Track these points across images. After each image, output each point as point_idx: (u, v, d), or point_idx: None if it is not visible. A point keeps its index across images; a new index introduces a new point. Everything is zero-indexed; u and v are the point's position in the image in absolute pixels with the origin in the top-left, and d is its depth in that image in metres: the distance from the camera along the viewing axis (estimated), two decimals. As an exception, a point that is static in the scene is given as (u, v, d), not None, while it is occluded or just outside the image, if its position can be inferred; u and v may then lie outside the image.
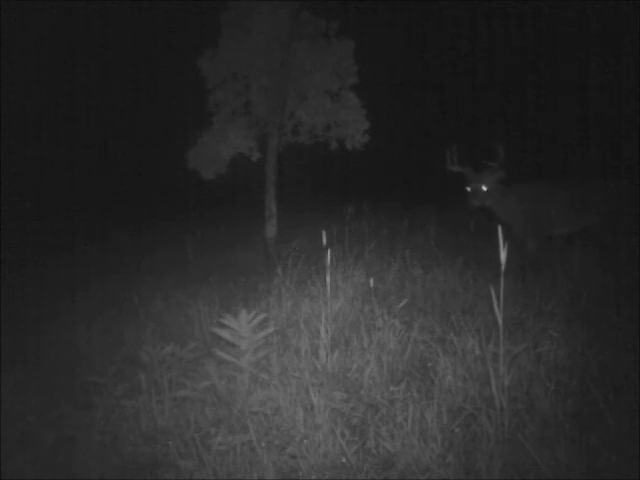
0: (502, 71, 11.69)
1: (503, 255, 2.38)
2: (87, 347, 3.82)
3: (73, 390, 3.20)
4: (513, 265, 4.75)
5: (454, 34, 11.95)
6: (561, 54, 10.68)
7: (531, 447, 2.25)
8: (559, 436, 2.29)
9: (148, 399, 2.88)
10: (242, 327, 2.99)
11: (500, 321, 2.37)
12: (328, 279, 3.22)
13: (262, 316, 3.08)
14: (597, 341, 3.15)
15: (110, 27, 11.46)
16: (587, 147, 9.99)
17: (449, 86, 12.33)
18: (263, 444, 2.44)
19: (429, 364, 3.13)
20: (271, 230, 6.08)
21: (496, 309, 2.35)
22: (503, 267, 2.37)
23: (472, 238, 6.09)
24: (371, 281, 3.87)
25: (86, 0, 10.84)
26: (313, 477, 2.31)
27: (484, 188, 4.73)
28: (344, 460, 2.37)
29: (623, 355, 2.96)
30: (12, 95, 9.98)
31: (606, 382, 2.68)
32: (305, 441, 2.47)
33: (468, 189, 4.80)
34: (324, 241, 3.53)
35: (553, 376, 2.77)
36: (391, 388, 2.88)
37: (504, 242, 2.39)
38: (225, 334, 3.04)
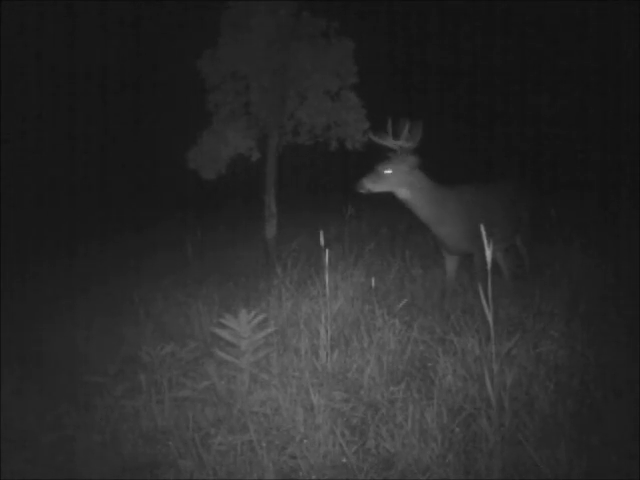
0: (502, 71, 11.69)
1: (488, 253, 2.38)
2: (87, 347, 3.83)
3: (73, 390, 3.20)
4: (512, 264, 4.75)
5: (454, 34, 11.95)
6: (561, 55, 10.68)
7: (531, 447, 2.25)
8: (559, 436, 2.29)
9: (148, 399, 2.88)
10: (242, 327, 2.99)
11: (490, 319, 2.36)
12: (327, 279, 3.22)
13: (262, 316, 3.08)
14: (597, 341, 3.15)
15: (110, 27, 11.47)
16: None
17: (449, 86, 12.33)
18: (263, 444, 2.44)
19: (429, 364, 3.13)
20: (271, 230, 6.08)
21: (485, 308, 2.35)
22: (489, 265, 2.38)
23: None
24: (372, 281, 3.87)
25: (87, 0, 10.85)
26: (313, 477, 2.31)
27: (387, 171, 3.94)
28: (344, 460, 2.37)
29: (623, 355, 2.96)
30: (12, 95, 9.98)
31: (606, 382, 2.68)
32: (305, 441, 2.47)
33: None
34: (322, 241, 3.53)
35: (553, 376, 2.77)
36: (391, 388, 2.88)
37: (489, 241, 2.40)
38: (225, 334, 3.04)
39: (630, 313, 3.50)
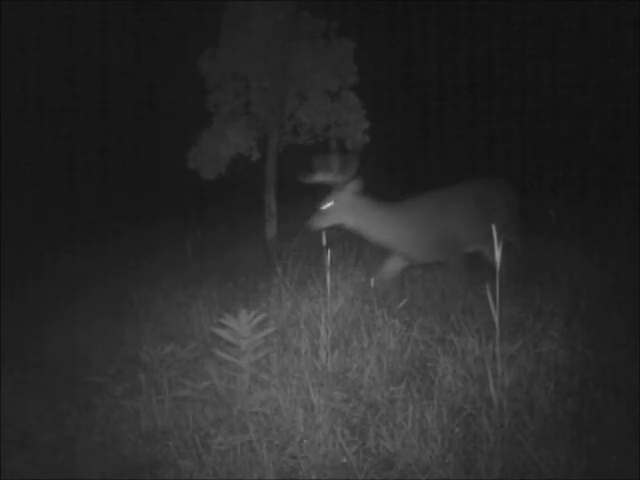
0: (502, 70, 11.69)
1: (498, 254, 2.38)
2: (87, 347, 3.83)
3: (73, 390, 3.20)
4: (513, 265, 4.75)
5: (454, 34, 11.95)
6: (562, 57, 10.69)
7: (531, 447, 2.25)
8: (559, 436, 2.29)
9: (148, 399, 2.88)
10: (242, 327, 2.98)
11: (497, 320, 2.37)
12: (328, 279, 3.22)
13: (262, 316, 3.08)
14: (597, 341, 3.15)
15: (110, 27, 11.47)
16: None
17: (449, 86, 12.33)
18: (263, 444, 2.44)
19: (429, 364, 3.13)
20: (271, 230, 6.08)
21: (493, 309, 2.35)
22: (498, 266, 2.38)
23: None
24: (372, 281, 3.87)
25: (87, 0, 10.85)
26: (313, 477, 2.31)
27: (328, 206, 4.05)
28: (344, 460, 2.37)
29: (623, 355, 2.96)
30: (12, 94, 9.98)
31: (606, 382, 2.68)
32: (305, 441, 2.47)
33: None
34: (324, 241, 3.53)
35: (553, 376, 2.77)
36: (391, 388, 2.88)
37: (499, 241, 2.40)
38: (225, 334, 3.04)
39: (630, 313, 3.50)
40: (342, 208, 4.07)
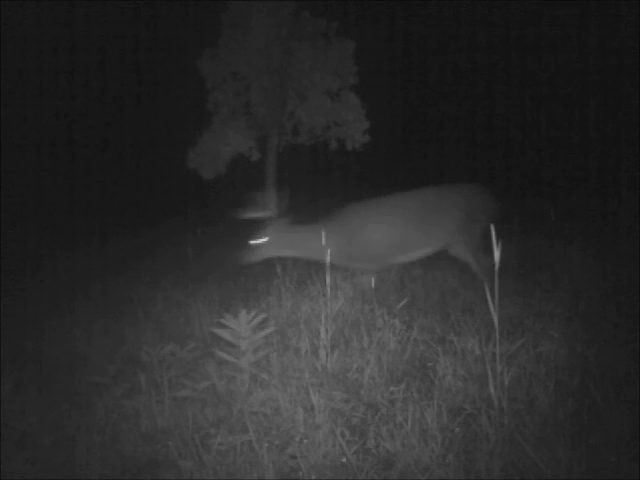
0: (502, 70, 11.69)
1: (497, 254, 2.38)
2: (87, 347, 3.82)
3: (73, 390, 3.20)
4: (512, 265, 4.75)
5: (454, 34, 11.95)
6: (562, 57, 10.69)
7: (531, 447, 2.25)
8: (559, 436, 2.29)
9: (148, 399, 2.87)
10: (242, 327, 2.98)
11: (496, 320, 2.37)
12: (328, 279, 3.22)
13: (262, 316, 3.08)
14: (597, 341, 3.15)
15: (110, 27, 11.46)
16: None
17: (449, 85, 12.33)
18: (263, 444, 2.44)
19: (429, 364, 3.13)
20: (271, 230, 6.07)
21: (492, 308, 2.35)
22: (497, 266, 2.37)
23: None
24: (372, 281, 3.87)
25: (87, 0, 10.85)
26: (313, 477, 2.31)
27: (260, 241, 4.21)
28: (344, 460, 2.37)
29: (623, 355, 2.96)
30: (11, 95, 9.97)
31: (606, 382, 2.68)
32: (305, 441, 2.47)
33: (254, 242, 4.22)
34: (323, 241, 3.53)
35: (553, 376, 2.77)
36: (391, 388, 2.88)
37: (497, 241, 2.39)
38: (225, 334, 3.04)
39: (630, 313, 3.50)
40: (276, 242, 4.23)
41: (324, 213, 4.48)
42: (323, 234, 3.75)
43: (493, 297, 2.35)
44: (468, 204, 4.31)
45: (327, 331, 3.14)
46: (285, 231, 4.25)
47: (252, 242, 4.21)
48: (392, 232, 4.21)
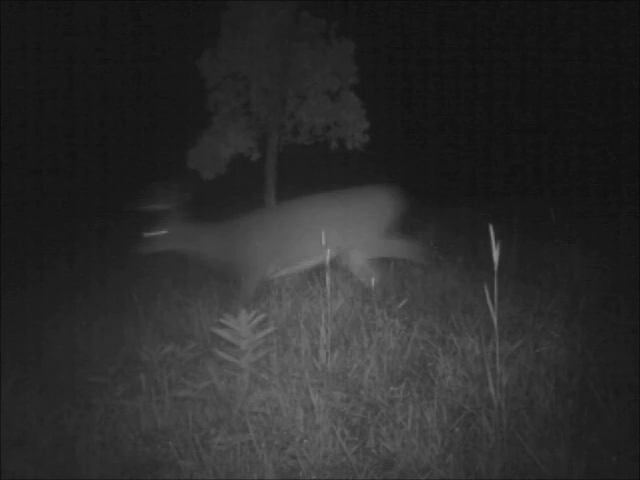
0: (502, 70, 11.68)
1: (495, 254, 2.37)
2: (87, 347, 3.82)
3: (73, 390, 3.20)
4: (512, 265, 4.76)
5: (454, 34, 11.95)
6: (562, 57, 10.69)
7: (531, 447, 2.25)
8: (559, 436, 2.29)
9: (148, 399, 2.87)
10: (242, 327, 2.98)
11: (495, 320, 2.37)
12: (328, 279, 3.22)
13: (262, 316, 3.08)
14: (597, 341, 3.15)
15: (110, 27, 11.47)
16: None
17: (449, 86, 12.33)
18: (263, 444, 2.44)
19: (429, 364, 3.13)
20: (271, 230, 6.07)
21: (491, 308, 2.35)
22: (496, 267, 2.37)
23: (472, 238, 6.09)
24: (372, 281, 3.87)
25: (86, 0, 10.85)
26: (313, 477, 2.31)
27: (156, 233, 4.34)
28: (344, 460, 2.37)
29: (623, 355, 2.96)
30: (11, 96, 9.97)
31: (606, 382, 2.68)
32: (305, 441, 2.47)
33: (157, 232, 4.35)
34: (323, 241, 3.53)
35: (553, 376, 2.77)
36: (391, 388, 2.88)
37: (496, 241, 2.39)
38: (225, 334, 3.04)
39: (630, 313, 3.50)
40: (173, 236, 4.36)
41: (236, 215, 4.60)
42: (214, 236, 4.15)
43: (492, 297, 2.35)
44: (373, 209, 4.45)
45: (327, 331, 3.14)
46: (183, 226, 4.38)
47: (149, 234, 4.34)
48: (269, 242, 4.35)
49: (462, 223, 6.78)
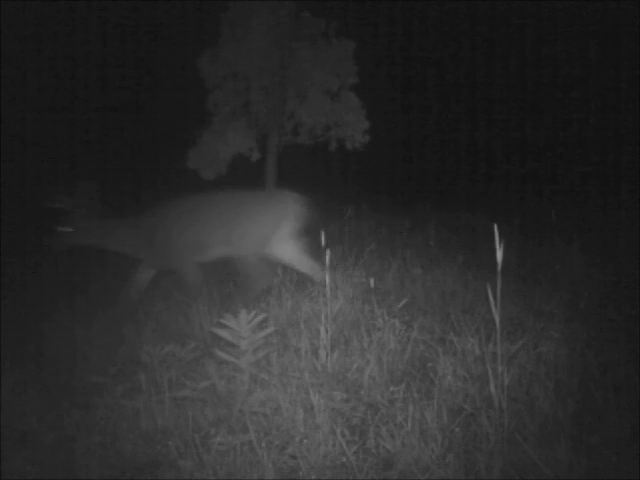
0: (502, 71, 11.68)
1: (499, 254, 2.37)
2: (87, 347, 3.82)
3: (73, 390, 3.20)
4: (513, 265, 4.76)
5: (454, 34, 11.95)
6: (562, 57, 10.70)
7: (531, 447, 2.25)
8: (559, 436, 2.29)
9: (148, 399, 2.87)
10: (242, 327, 2.98)
11: (497, 320, 2.37)
12: (327, 279, 3.22)
13: (262, 316, 3.08)
14: (597, 341, 3.15)
15: (110, 27, 11.47)
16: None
17: (449, 85, 12.33)
18: (263, 444, 2.44)
19: (429, 364, 3.13)
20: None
21: (493, 308, 2.35)
22: (499, 267, 2.37)
23: (472, 238, 6.09)
24: (371, 281, 3.87)
25: (86, 0, 10.86)
26: (313, 477, 2.31)
27: (67, 229, 4.41)
28: (344, 460, 2.37)
29: (623, 355, 2.96)
30: (11, 96, 9.98)
31: (606, 382, 2.68)
32: (305, 441, 2.47)
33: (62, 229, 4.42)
34: (323, 241, 3.53)
35: (553, 376, 2.77)
36: (391, 388, 2.88)
37: (500, 241, 2.39)
38: (225, 334, 3.03)
39: (630, 313, 3.50)
40: (83, 232, 4.44)
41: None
42: (134, 230, 4.21)
43: (495, 297, 2.35)
44: (280, 214, 4.54)
45: (327, 331, 3.14)
46: (95, 222, 4.45)
47: (59, 229, 4.40)
48: (184, 231, 4.47)
49: (461, 224, 6.78)
